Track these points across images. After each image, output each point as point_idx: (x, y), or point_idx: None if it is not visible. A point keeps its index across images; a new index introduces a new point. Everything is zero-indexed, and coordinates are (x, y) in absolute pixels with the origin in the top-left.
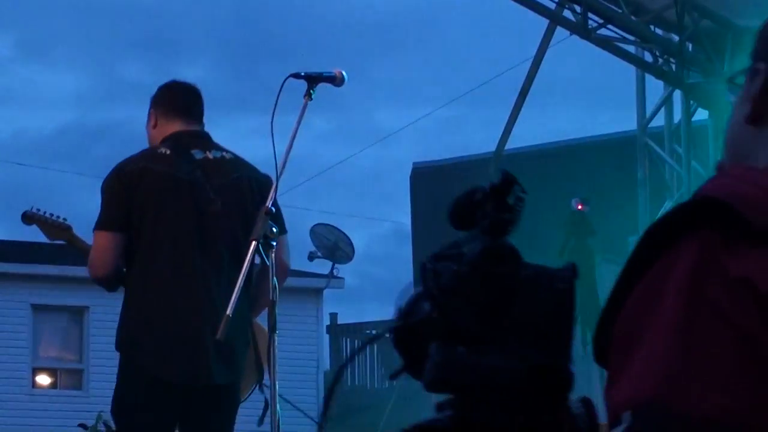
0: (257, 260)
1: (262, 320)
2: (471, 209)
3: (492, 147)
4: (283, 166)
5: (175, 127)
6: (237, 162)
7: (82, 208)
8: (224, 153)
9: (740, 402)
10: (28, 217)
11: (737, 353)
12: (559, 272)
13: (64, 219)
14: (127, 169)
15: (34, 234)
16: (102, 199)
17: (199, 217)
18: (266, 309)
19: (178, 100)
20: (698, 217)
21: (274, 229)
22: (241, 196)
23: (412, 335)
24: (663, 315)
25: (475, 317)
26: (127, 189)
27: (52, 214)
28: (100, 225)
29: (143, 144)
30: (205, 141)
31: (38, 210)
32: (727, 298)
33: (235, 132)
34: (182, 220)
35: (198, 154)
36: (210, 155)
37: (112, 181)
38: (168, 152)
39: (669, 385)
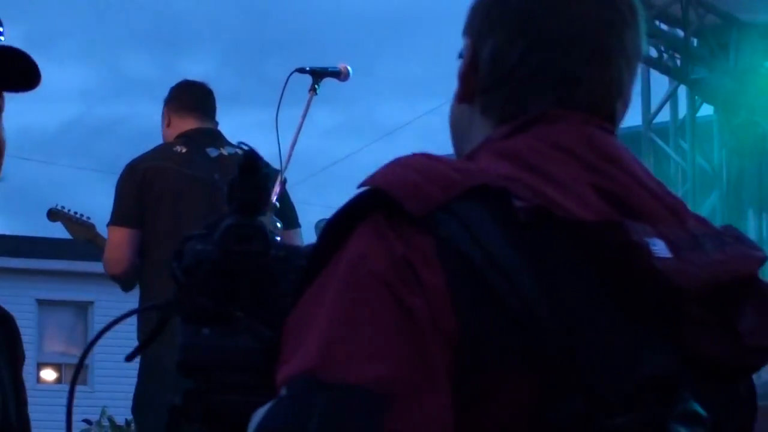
0: None
1: None
2: (230, 190)
3: None
4: (288, 161)
5: (189, 125)
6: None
7: (86, 203)
8: (237, 150)
9: (394, 371)
10: (53, 214)
11: (396, 324)
12: (306, 249)
13: (88, 218)
14: (141, 167)
15: (38, 229)
16: (115, 196)
17: (214, 215)
18: None
19: (191, 98)
20: (368, 206)
21: (278, 225)
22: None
23: (163, 316)
24: (329, 295)
25: (219, 298)
26: (140, 186)
27: (76, 213)
28: (114, 220)
29: (148, 139)
30: (218, 138)
31: (63, 207)
32: (392, 273)
33: (240, 126)
34: (199, 219)
35: (213, 152)
36: (225, 152)
37: (125, 178)
38: (184, 150)
39: (321, 356)
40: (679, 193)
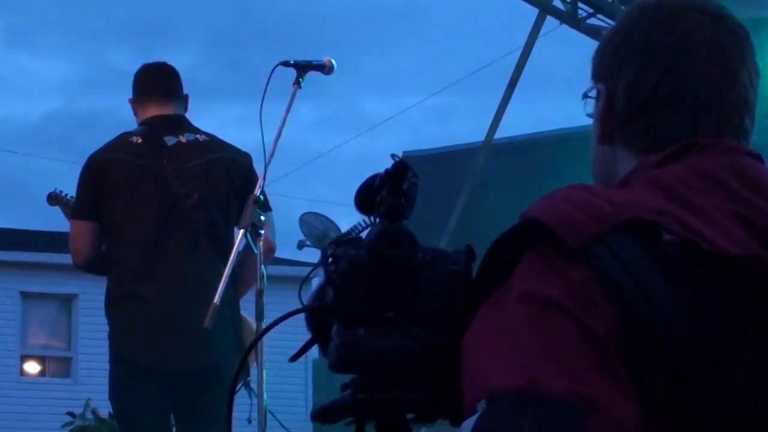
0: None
1: (249, 314)
2: (371, 195)
3: (481, 136)
4: (272, 155)
5: (150, 112)
6: (211, 143)
7: (69, 195)
8: (198, 135)
9: (586, 385)
10: (52, 199)
11: (583, 344)
12: (454, 254)
13: None
14: (97, 158)
15: (22, 221)
16: (76, 189)
17: (168, 204)
18: (254, 295)
19: (148, 85)
20: (529, 236)
21: (262, 218)
22: (215, 177)
23: (321, 317)
24: (513, 321)
25: (373, 300)
26: (96, 179)
27: (73, 198)
28: (74, 213)
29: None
30: (179, 125)
31: (62, 192)
32: (570, 300)
33: (223, 120)
34: (148, 208)
35: (170, 140)
36: (183, 139)
37: (84, 171)
38: (139, 141)
39: (522, 375)
40: None
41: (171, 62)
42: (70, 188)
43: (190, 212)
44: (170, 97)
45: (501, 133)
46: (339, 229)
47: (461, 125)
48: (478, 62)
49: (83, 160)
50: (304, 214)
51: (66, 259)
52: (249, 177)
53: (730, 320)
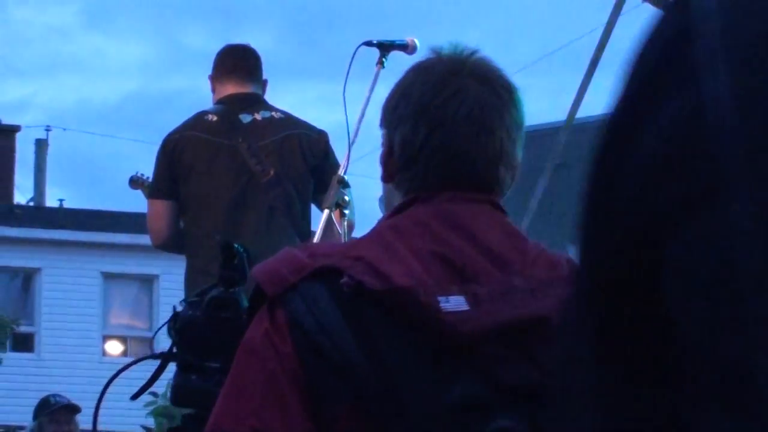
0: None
1: None
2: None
3: (560, 116)
4: (356, 135)
5: (227, 90)
6: (287, 121)
7: (146, 174)
8: (273, 113)
9: (264, 422)
10: (133, 182)
11: (264, 384)
12: None
13: None
14: (171, 138)
15: (102, 202)
16: (153, 169)
17: (243, 181)
18: None
19: (228, 63)
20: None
21: (346, 198)
22: (290, 154)
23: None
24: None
25: (202, 352)
26: (171, 158)
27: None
28: (150, 193)
29: None
30: (255, 103)
31: (142, 175)
32: (260, 345)
33: (302, 99)
34: (224, 185)
35: (246, 118)
36: (258, 117)
37: (159, 150)
38: (214, 119)
39: (224, 414)
40: None
41: (248, 41)
42: (149, 169)
43: (266, 189)
44: (249, 77)
45: (582, 112)
46: None
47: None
48: (554, 41)
49: (160, 141)
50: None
51: (147, 239)
52: (326, 153)
53: (396, 339)
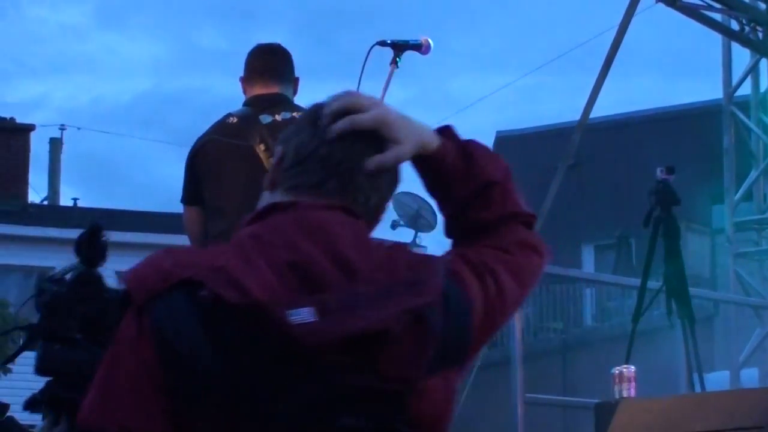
0: None
1: None
2: (78, 244)
3: (571, 116)
4: None
5: (255, 90)
6: None
7: (159, 175)
8: (295, 113)
9: (132, 423)
10: None
11: (131, 388)
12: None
13: None
14: (195, 144)
15: (114, 201)
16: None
17: (259, 182)
18: None
19: (256, 64)
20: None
21: None
22: None
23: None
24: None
25: (65, 324)
26: (193, 163)
27: None
28: (182, 199)
29: (219, 111)
30: (278, 103)
31: None
32: (126, 349)
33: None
34: (237, 186)
35: (266, 119)
36: (279, 117)
37: (187, 156)
38: (234, 120)
39: (90, 409)
40: (761, 168)
41: (261, 41)
42: (159, 167)
43: None
44: (275, 77)
45: (595, 112)
46: (432, 209)
47: (550, 105)
48: (567, 41)
49: (174, 140)
50: (397, 194)
51: (158, 239)
52: None
53: (248, 347)
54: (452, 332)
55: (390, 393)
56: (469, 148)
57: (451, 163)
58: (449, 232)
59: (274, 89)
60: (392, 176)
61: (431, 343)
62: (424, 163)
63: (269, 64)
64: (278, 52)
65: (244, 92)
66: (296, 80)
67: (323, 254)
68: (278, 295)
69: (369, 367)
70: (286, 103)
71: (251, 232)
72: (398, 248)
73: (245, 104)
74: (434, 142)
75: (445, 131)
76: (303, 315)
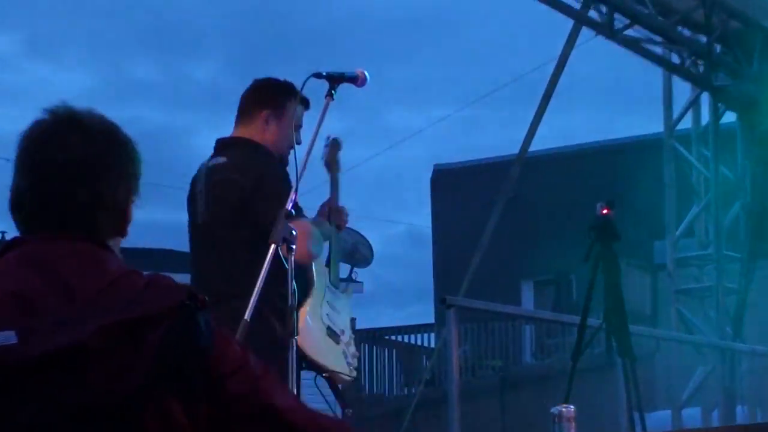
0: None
1: None
2: None
3: (511, 149)
4: (304, 167)
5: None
6: (225, 165)
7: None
8: (225, 158)
9: None
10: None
11: None
12: None
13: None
14: None
15: None
16: None
17: (195, 225)
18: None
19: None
20: None
21: (294, 232)
22: (216, 200)
23: None
24: None
25: None
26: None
27: None
28: None
29: (151, 142)
30: (223, 147)
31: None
32: None
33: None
34: (189, 232)
35: (210, 162)
36: (212, 162)
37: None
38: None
39: None
40: (702, 202)
41: (193, 73)
42: None
43: (205, 232)
44: (239, 117)
45: (535, 145)
46: (369, 244)
47: (489, 138)
48: (508, 73)
49: None
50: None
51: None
52: (246, 196)
53: None
54: (175, 351)
55: (114, 410)
56: None
57: None
58: None
59: (235, 131)
60: (120, 173)
61: (143, 357)
62: None
63: (240, 106)
64: (248, 90)
65: None
66: (262, 114)
67: (45, 282)
68: None
69: (78, 382)
70: (233, 146)
71: None
72: (134, 274)
73: None
74: None
75: None
76: (3, 338)
